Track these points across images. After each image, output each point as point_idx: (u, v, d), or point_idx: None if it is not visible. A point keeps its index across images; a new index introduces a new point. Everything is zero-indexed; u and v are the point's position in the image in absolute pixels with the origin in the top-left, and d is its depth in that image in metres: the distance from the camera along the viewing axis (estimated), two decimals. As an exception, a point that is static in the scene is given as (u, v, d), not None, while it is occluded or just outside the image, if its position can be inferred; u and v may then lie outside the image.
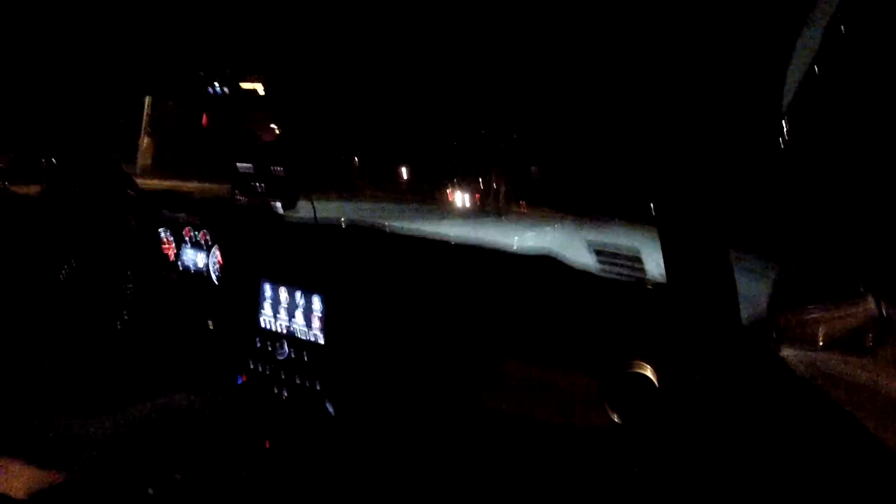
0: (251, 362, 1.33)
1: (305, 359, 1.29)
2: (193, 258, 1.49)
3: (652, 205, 0.99)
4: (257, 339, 1.34)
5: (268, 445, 1.24)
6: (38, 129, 1.55)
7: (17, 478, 0.68)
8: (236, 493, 1.07)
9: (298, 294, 1.29)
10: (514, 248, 1.50)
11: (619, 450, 1.02)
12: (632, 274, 1.31)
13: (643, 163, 0.97)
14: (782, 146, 0.75)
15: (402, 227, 1.73)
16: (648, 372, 0.99)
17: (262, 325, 1.34)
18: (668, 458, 0.95)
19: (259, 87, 1.16)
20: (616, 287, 1.26)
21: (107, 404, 1.21)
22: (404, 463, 1.21)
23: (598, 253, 1.30)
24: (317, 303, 1.27)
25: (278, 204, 1.42)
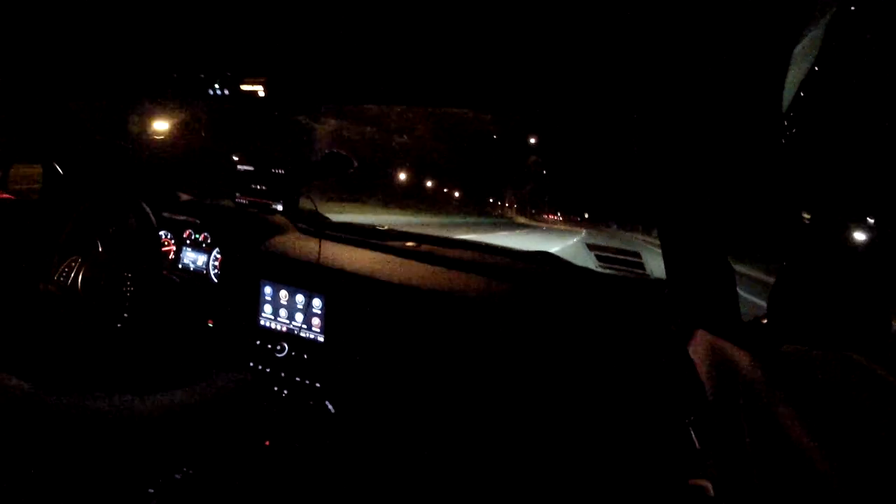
0: (251, 361, 1.34)
1: (305, 357, 1.29)
2: (194, 259, 1.49)
3: (652, 205, 0.99)
4: (257, 338, 1.34)
5: (268, 444, 1.25)
6: (39, 129, 1.56)
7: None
8: (236, 492, 1.08)
9: (298, 294, 1.29)
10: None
11: (617, 448, 1.02)
12: (633, 271, 1.31)
13: (644, 163, 0.97)
14: (782, 148, 0.75)
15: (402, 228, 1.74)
16: None
17: (262, 324, 1.34)
18: (668, 456, 0.95)
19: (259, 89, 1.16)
20: (617, 282, 1.26)
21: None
22: (403, 459, 1.22)
23: (600, 258, 1.31)
24: (317, 302, 1.27)
25: (278, 205, 1.42)
